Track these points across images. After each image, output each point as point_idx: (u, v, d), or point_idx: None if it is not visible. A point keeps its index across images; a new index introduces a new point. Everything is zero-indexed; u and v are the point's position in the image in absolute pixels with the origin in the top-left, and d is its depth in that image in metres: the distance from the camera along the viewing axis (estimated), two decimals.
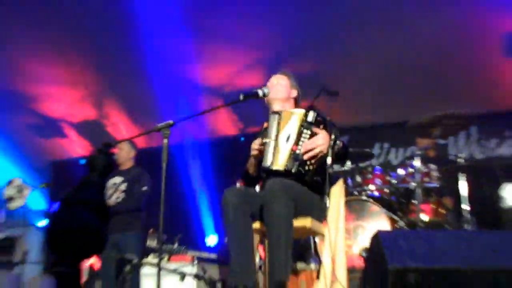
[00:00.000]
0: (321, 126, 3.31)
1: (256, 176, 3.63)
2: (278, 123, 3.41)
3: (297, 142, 3.26)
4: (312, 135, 3.26)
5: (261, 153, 3.45)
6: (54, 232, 1.34)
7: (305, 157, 3.20)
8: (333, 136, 3.24)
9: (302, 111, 3.37)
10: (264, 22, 6.67)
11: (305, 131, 3.27)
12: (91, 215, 1.36)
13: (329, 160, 3.22)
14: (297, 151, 3.22)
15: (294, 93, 3.72)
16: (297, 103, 3.75)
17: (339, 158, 3.33)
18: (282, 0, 6.36)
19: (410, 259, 1.67)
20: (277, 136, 3.37)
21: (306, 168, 3.22)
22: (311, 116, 3.30)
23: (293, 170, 3.20)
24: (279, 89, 3.65)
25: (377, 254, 1.71)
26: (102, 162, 1.44)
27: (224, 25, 6.68)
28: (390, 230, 4.57)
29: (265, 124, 3.59)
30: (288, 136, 3.34)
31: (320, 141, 3.20)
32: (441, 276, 1.66)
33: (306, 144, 3.22)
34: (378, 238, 1.74)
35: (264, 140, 3.42)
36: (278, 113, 3.45)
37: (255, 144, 3.52)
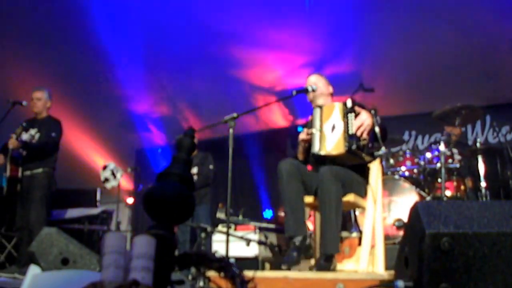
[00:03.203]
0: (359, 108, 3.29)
1: (304, 161, 3.61)
2: (321, 116, 3.37)
3: (347, 126, 3.21)
4: (356, 115, 3.22)
5: (308, 142, 3.44)
6: (152, 199, 1.40)
7: (358, 132, 3.17)
8: (372, 111, 3.23)
9: (340, 103, 3.33)
10: (308, 31, 6.64)
11: (349, 115, 3.22)
12: (181, 186, 1.42)
13: (377, 129, 3.19)
14: (350, 132, 3.17)
15: (331, 89, 3.70)
16: (333, 98, 3.71)
17: (383, 131, 3.24)
18: (323, 12, 6.33)
19: (443, 225, 1.67)
20: (321, 126, 3.34)
21: (362, 143, 3.18)
22: (349, 102, 3.26)
23: (353, 147, 3.15)
24: (322, 85, 3.64)
25: (416, 222, 1.72)
26: (188, 143, 1.49)
27: (274, 35, 6.69)
28: (427, 201, 4.52)
29: (310, 117, 3.56)
30: (333, 126, 3.29)
31: (365, 116, 3.19)
32: (469, 239, 1.66)
33: (355, 123, 3.18)
34: (417, 208, 1.75)
35: (311, 131, 3.40)
36: (320, 107, 3.43)
37: (303, 135, 3.50)
